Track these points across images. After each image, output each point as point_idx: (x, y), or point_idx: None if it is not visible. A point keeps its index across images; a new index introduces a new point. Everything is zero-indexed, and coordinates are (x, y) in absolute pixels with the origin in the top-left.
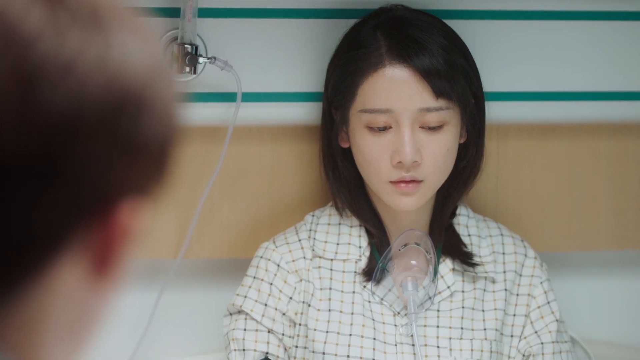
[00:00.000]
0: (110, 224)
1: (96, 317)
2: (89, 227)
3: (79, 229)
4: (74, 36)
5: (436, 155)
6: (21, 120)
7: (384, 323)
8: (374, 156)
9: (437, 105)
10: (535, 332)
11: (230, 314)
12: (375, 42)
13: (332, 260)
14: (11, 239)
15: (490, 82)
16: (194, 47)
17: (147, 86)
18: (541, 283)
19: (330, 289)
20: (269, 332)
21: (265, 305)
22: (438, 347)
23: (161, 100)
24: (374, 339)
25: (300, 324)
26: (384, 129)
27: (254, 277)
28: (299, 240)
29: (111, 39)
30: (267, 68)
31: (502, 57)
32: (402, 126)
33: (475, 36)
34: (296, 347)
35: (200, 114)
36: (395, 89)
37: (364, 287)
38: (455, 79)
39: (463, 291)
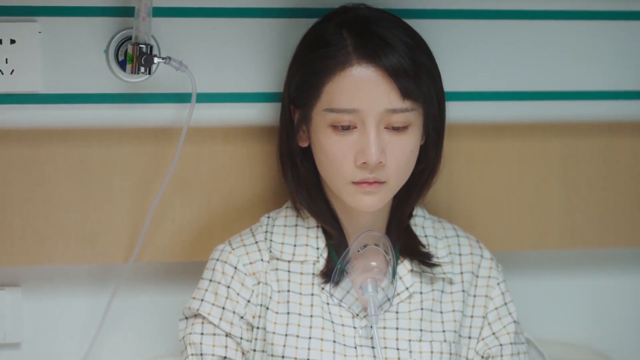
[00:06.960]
0: None
1: None
2: None
3: None
4: None
5: (400, 156)
6: None
7: (343, 325)
8: (337, 156)
9: (404, 107)
10: (493, 333)
11: (186, 318)
12: (341, 41)
13: (289, 262)
14: None
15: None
16: (148, 47)
17: None
18: (498, 284)
19: (288, 291)
20: (226, 336)
21: (223, 308)
22: (398, 349)
23: None
24: (334, 341)
25: (258, 328)
26: (348, 128)
27: (211, 280)
28: (256, 242)
29: None
30: (221, 68)
31: (452, 56)
32: (368, 126)
33: (426, 36)
34: (254, 350)
35: (153, 115)
36: (363, 89)
37: (323, 289)
38: (421, 79)
39: (421, 292)
